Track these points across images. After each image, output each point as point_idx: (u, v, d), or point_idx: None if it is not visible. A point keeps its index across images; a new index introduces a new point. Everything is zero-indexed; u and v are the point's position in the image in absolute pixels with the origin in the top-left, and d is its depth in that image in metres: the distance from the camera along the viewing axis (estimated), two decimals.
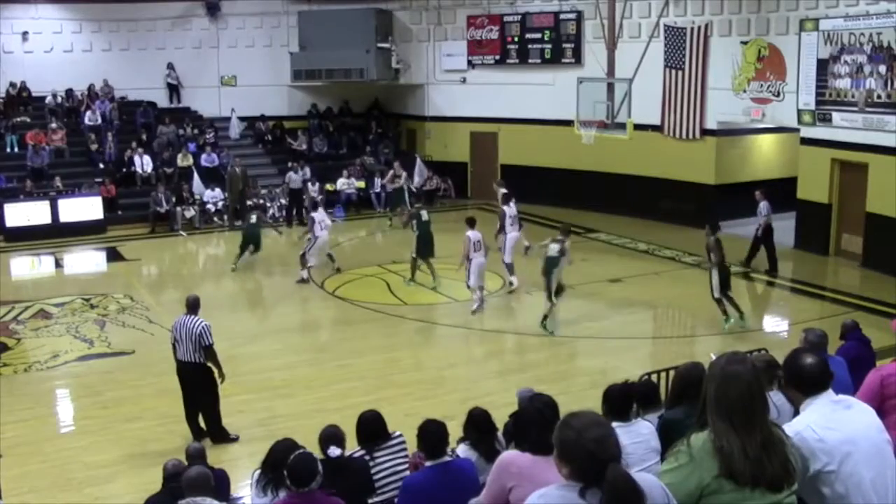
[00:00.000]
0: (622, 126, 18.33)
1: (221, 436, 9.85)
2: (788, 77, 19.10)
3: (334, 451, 5.94)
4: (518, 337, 13.97)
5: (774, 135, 22.02)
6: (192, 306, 9.80)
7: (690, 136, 21.62)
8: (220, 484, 6.43)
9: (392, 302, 15.81)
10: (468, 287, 14.80)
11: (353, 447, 6.38)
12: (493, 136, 25.75)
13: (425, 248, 16.52)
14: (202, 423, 9.86)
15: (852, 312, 13.60)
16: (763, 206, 17.55)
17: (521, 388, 7.48)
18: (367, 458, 6.19)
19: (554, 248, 13.50)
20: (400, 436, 6.42)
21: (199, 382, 9.69)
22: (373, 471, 6.14)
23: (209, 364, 9.66)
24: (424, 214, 16.93)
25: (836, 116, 17.99)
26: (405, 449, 6.37)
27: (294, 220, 23.04)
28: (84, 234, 21.10)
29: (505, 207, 16.50)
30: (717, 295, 13.59)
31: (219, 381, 9.70)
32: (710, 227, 13.72)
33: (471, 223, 14.97)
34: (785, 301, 16.58)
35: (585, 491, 2.90)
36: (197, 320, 9.65)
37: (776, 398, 5.03)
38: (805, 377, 3.71)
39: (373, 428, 6.36)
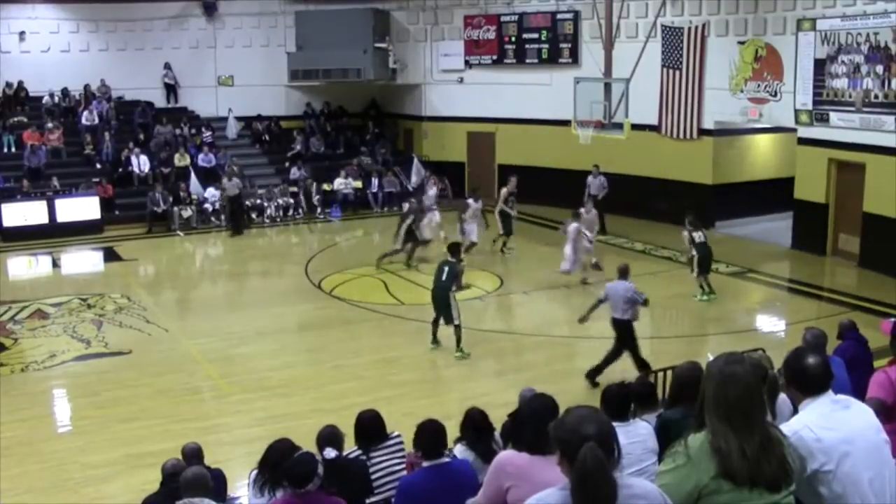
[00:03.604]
0: (619, 126, 18.37)
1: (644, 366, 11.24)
2: (786, 77, 19.11)
3: (330, 453, 5.90)
4: (515, 337, 13.98)
5: (772, 135, 22.04)
6: (624, 273, 11.69)
7: (688, 135, 21.64)
8: (217, 484, 6.42)
9: (389, 302, 15.82)
10: None
11: (351, 447, 6.37)
12: (490, 136, 25.77)
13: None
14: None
15: (849, 312, 13.61)
16: (599, 179, 20.71)
17: (524, 387, 7.47)
18: (363, 458, 6.17)
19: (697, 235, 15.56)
20: (398, 436, 6.39)
21: (624, 334, 11.48)
22: (369, 470, 6.12)
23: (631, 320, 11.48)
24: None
25: (833, 116, 18.00)
26: (403, 449, 6.35)
27: (243, 228, 22.16)
28: (81, 234, 21.08)
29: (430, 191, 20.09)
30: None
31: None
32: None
33: None
34: (782, 301, 16.60)
35: None
36: (626, 283, 11.48)
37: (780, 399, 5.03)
38: (808, 377, 3.70)
39: (371, 428, 6.33)
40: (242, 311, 15.94)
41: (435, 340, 13.13)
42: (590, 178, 20.96)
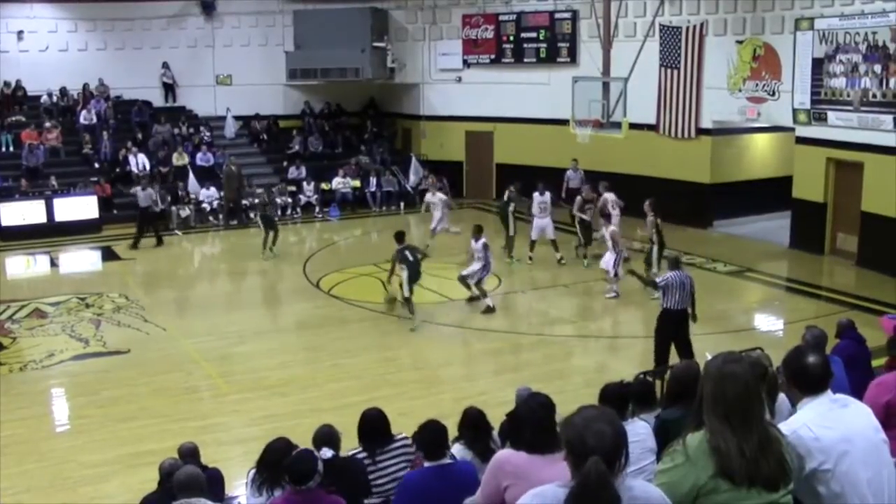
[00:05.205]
0: (617, 125, 18.38)
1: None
2: (784, 76, 19.12)
3: (326, 453, 5.87)
4: (513, 336, 13.96)
5: (770, 134, 22.05)
6: (675, 263, 11.73)
7: (686, 135, 21.64)
8: (214, 483, 6.40)
9: None
10: None
11: (352, 445, 6.29)
12: (488, 135, 25.77)
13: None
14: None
15: (847, 311, 13.60)
16: (579, 173, 20.98)
17: (520, 386, 7.47)
18: (367, 460, 6.09)
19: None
20: (404, 437, 6.25)
21: (686, 323, 11.51)
22: (374, 474, 5.99)
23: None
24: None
25: (831, 116, 18.01)
26: (410, 452, 6.17)
27: (139, 243, 20.19)
28: (79, 234, 21.07)
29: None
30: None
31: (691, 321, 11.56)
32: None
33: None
34: (780, 300, 16.60)
35: None
36: (686, 275, 11.56)
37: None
38: (808, 376, 3.69)
39: (375, 427, 6.20)
40: (240, 310, 15.93)
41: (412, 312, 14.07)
42: (569, 173, 21.26)
